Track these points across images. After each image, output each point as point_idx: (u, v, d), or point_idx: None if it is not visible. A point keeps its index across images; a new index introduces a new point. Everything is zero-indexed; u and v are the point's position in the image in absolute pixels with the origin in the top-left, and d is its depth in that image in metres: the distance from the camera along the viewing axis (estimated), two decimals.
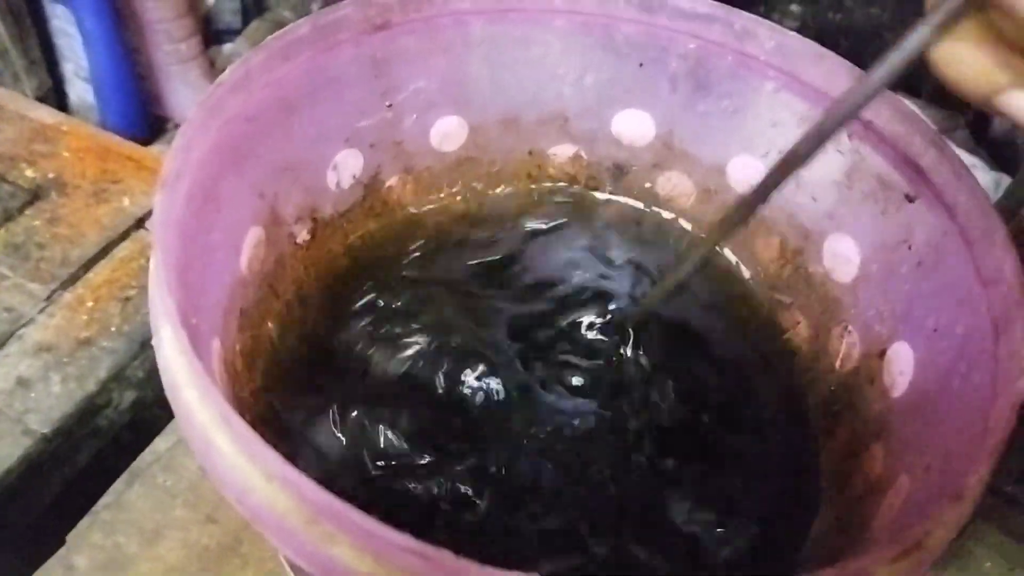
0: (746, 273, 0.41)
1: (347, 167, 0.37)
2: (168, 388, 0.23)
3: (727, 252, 0.42)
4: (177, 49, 0.82)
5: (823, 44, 0.35)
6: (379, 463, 0.32)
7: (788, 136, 0.37)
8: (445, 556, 0.18)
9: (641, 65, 0.38)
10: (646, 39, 0.38)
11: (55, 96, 0.81)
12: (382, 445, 0.33)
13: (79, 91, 0.81)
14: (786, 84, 0.36)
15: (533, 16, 0.37)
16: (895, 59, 0.22)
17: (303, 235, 0.36)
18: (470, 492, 0.32)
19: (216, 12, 0.89)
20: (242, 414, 0.30)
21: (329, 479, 0.32)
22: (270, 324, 0.35)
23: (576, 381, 0.37)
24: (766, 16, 0.51)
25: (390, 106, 0.37)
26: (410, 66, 0.36)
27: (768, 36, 0.36)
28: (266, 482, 0.20)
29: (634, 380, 0.37)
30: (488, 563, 0.18)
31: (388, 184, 0.39)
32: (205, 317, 0.27)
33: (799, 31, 0.35)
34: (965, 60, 0.20)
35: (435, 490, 0.31)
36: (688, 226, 0.42)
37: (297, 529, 0.20)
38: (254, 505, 0.20)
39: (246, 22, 0.91)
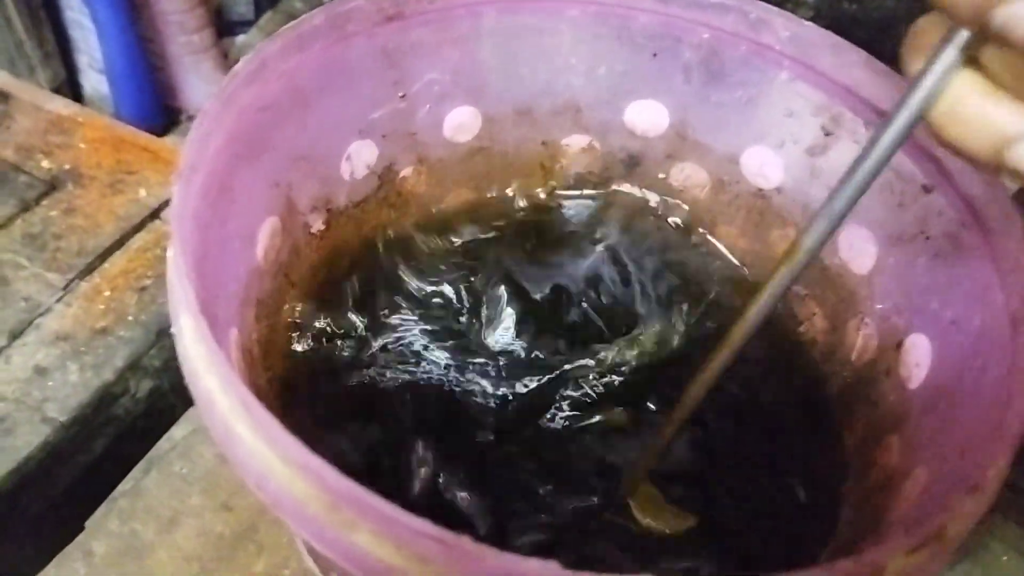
0: (762, 264, 0.41)
1: (361, 158, 0.37)
2: (188, 376, 0.23)
3: (742, 243, 0.41)
4: (190, 40, 0.82)
5: (838, 34, 0.35)
6: (395, 449, 0.33)
7: (803, 126, 0.37)
8: (464, 542, 0.18)
9: (655, 55, 0.38)
10: (660, 29, 0.37)
11: (70, 87, 0.81)
12: (396, 433, 0.33)
13: (93, 82, 0.82)
14: (801, 74, 0.36)
15: (547, 6, 0.37)
16: (886, 139, 0.21)
17: (318, 225, 0.36)
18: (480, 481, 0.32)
19: (229, 3, 0.89)
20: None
21: (348, 466, 0.32)
22: (286, 313, 0.35)
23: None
24: (780, 5, 0.51)
25: (403, 97, 0.37)
26: (423, 57, 0.36)
27: (783, 26, 0.35)
28: (286, 468, 0.20)
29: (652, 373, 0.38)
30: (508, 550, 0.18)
31: (402, 174, 0.40)
32: (222, 307, 0.27)
33: (813, 21, 0.35)
34: (966, 116, 0.19)
35: (450, 477, 0.31)
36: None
37: (318, 516, 0.20)
38: (274, 491, 0.21)
39: (259, 13, 0.90)
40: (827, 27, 0.35)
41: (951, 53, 0.19)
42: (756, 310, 0.25)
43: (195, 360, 0.22)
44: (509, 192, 0.43)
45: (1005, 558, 0.43)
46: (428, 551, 0.18)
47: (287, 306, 0.35)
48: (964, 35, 0.19)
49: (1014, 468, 0.46)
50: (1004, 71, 0.18)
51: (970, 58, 0.19)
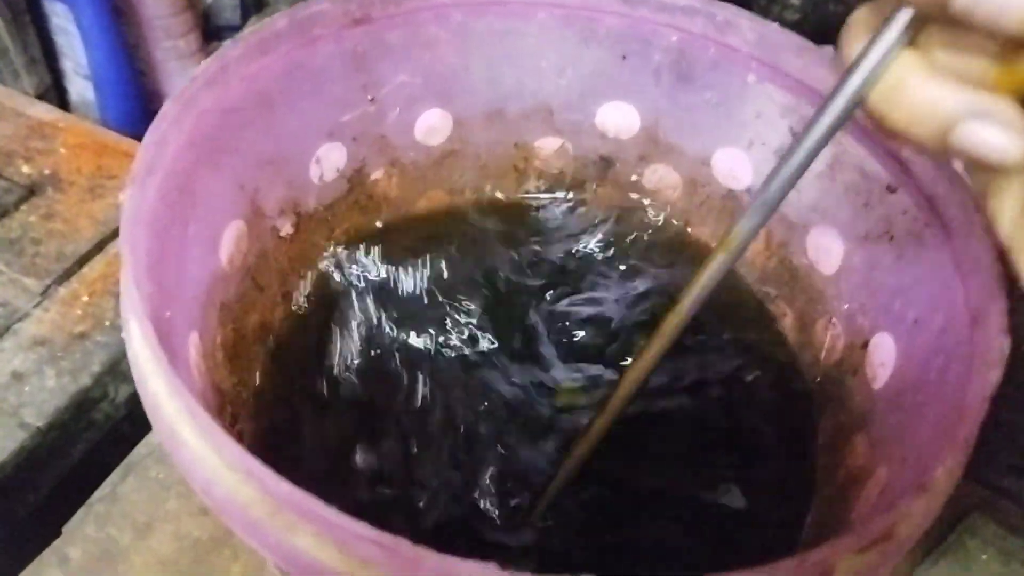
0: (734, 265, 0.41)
1: (330, 161, 0.37)
2: (137, 381, 0.23)
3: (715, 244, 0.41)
4: (176, 45, 0.82)
5: (824, 36, 0.35)
6: (360, 456, 0.33)
7: (771, 127, 0.37)
8: (402, 544, 0.18)
9: (624, 57, 0.38)
10: (628, 31, 0.37)
11: (56, 93, 0.81)
12: (362, 440, 0.33)
13: (79, 88, 0.82)
14: (768, 76, 0.36)
15: (515, 9, 0.37)
16: (822, 125, 0.20)
17: (286, 228, 0.36)
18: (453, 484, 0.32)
19: (215, 8, 0.89)
20: (223, 406, 0.30)
21: (309, 472, 0.32)
22: (254, 317, 0.35)
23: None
24: (767, 7, 0.50)
25: (372, 100, 0.37)
26: (392, 60, 0.36)
27: (749, 28, 0.35)
28: (230, 474, 0.20)
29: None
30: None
31: (373, 178, 0.40)
32: (181, 311, 0.27)
33: (799, 23, 0.35)
34: (909, 99, 0.18)
35: (413, 480, 0.31)
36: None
37: (261, 520, 0.20)
38: (219, 497, 0.21)
39: (245, 18, 0.90)
40: (813, 29, 0.35)
41: (891, 35, 0.18)
42: (689, 301, 0.25)
43: (142, 365, 0.22)
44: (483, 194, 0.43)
45: (984, 557, 0.43)
46: (368, 554, 0.18)
47: (256, 309, 0.35)
48: (905, 16, 0.18)
49: (994, 466, 0.46)
50: (946, 52, 0.18)
51: (910, 40, 0.18)
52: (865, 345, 0.33)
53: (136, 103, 0.83)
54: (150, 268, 0.24)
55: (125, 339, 0.23)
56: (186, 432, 0.21)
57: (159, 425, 0.22)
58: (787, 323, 0.38)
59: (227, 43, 0.30)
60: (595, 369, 0.37)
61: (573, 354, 0.37)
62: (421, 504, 0.31)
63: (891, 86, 0.19)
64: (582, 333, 0.38)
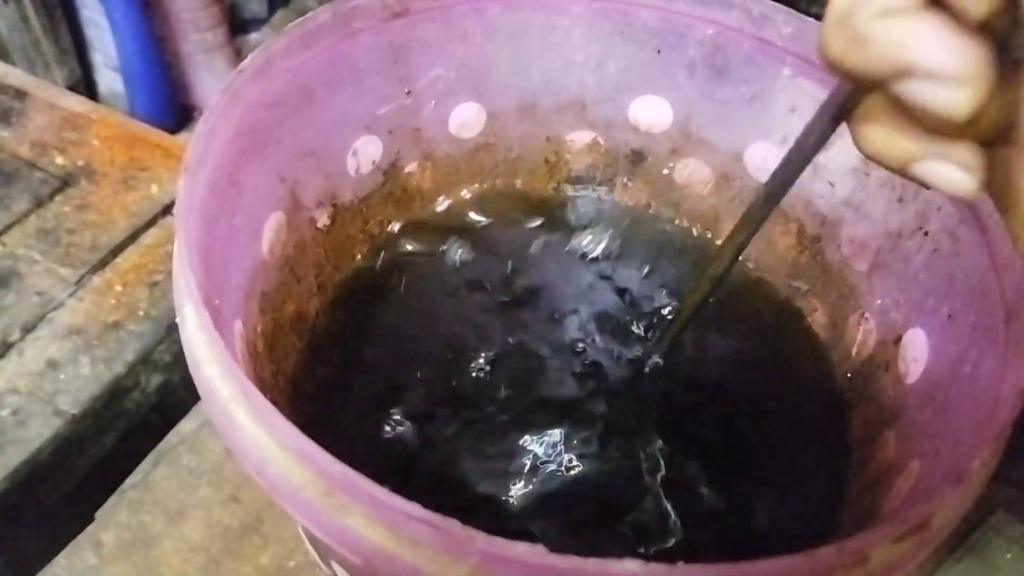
0: (765, 260, 0.41)
1: (366, 153, 0.38)
2: (191, 365, 0.23)
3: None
4: (203, 38, 0.83)
5: None
6: (397, 440, 0.33)
7: (806, 122, 0.37)
8: (453, 525, 0.18)
9: (659, 51, 0.38)
10: (664, 25, 0.38)
11: (85, 85, 0.83)
12: (397, 427, 0.34)
13: (108, 80, 0.83)
14: (804, 70, 0.36)
15: (550, 3, 0.37)
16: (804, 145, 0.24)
17: (323, 220, 0.37)
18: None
19: (242, 1, 0.90)
20: (264, 394, 0.31)
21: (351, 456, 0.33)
22: (291, 307, 0.35)
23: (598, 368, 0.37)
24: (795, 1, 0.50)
25: (409, 93, 0.37)
26: (428, 53, 0.37)
27: (785, 22, 0.36)
28: (283, 454, 0.21)
29: (654, 372, 0.38)
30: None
31: (407, 170, 0.40)
32: (227, 299, 0.28)
33: None
34: (876, 136, 0.20)
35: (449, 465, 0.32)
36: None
37: (313, 500, 0.20)
38: (272, 477, 0.21)
39: (272, 11, 0.92)
40: None
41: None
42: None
43: (197, 349, 0.23)
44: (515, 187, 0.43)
45: (1009, 555, 0.43)
46: (419, 534, 0.19)
47: (293, 299, 0.36)
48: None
49: (1020, 465, 0.46)
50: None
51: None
52: (898, 340, 0.33)
53: (164, 95, 0.84)
54: (200, 256, 0.24)
55: (179, 324, 0.23)
56: (240, 414, 0.21)
57: (213, 408, 0.22)
58: (818, 318, 0.39)
59: (272, 36, 0.31)
60: None
61: None
62: (462, 489, 0.32)
63: (859, 123, 0.21)
64: None
